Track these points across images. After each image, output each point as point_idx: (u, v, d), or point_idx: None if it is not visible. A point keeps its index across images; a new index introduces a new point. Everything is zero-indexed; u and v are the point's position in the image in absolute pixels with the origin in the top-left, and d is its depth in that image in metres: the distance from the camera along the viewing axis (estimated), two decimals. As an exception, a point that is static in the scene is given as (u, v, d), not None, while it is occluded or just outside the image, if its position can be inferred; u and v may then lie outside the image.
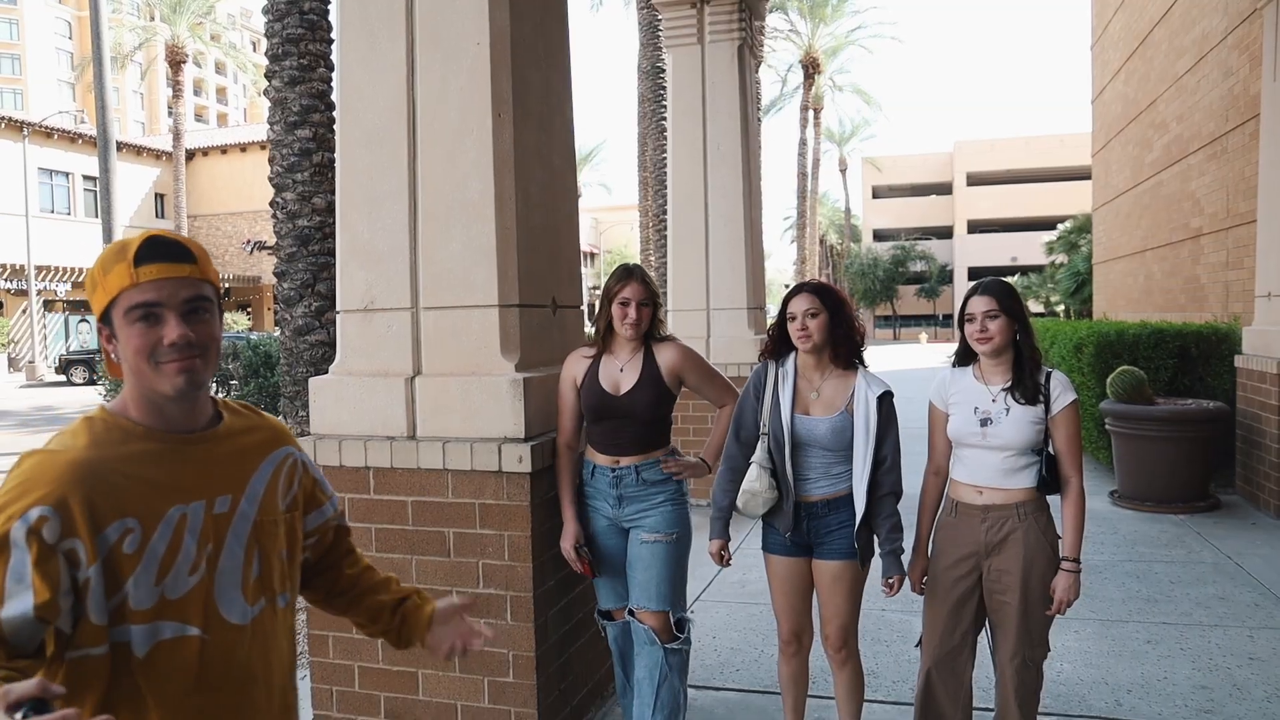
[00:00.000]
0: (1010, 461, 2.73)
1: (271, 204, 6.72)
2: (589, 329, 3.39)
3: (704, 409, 6.38)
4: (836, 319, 2.90)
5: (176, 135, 33.54)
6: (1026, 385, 2.73)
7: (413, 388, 3.23)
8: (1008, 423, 2.72)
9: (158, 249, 1.35)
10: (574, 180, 3.77)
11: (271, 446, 1.54)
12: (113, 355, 1.37)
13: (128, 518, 1.30)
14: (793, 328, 2.91)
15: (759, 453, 2.93)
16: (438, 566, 3.15)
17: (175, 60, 33.46)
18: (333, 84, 6.69)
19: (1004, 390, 2.76)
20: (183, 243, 1.38)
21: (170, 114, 34.54)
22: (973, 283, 2.91)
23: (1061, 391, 2.73)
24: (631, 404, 3.04)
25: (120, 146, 35.88)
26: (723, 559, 3.05)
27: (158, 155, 39.79)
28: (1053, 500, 2.79)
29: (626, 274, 3.07)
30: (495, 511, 3.09)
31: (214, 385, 8.42)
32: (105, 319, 1.36)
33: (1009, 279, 2.75)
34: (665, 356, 3.11)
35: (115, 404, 1.40)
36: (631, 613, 3.05)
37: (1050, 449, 2.75)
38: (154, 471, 1.36)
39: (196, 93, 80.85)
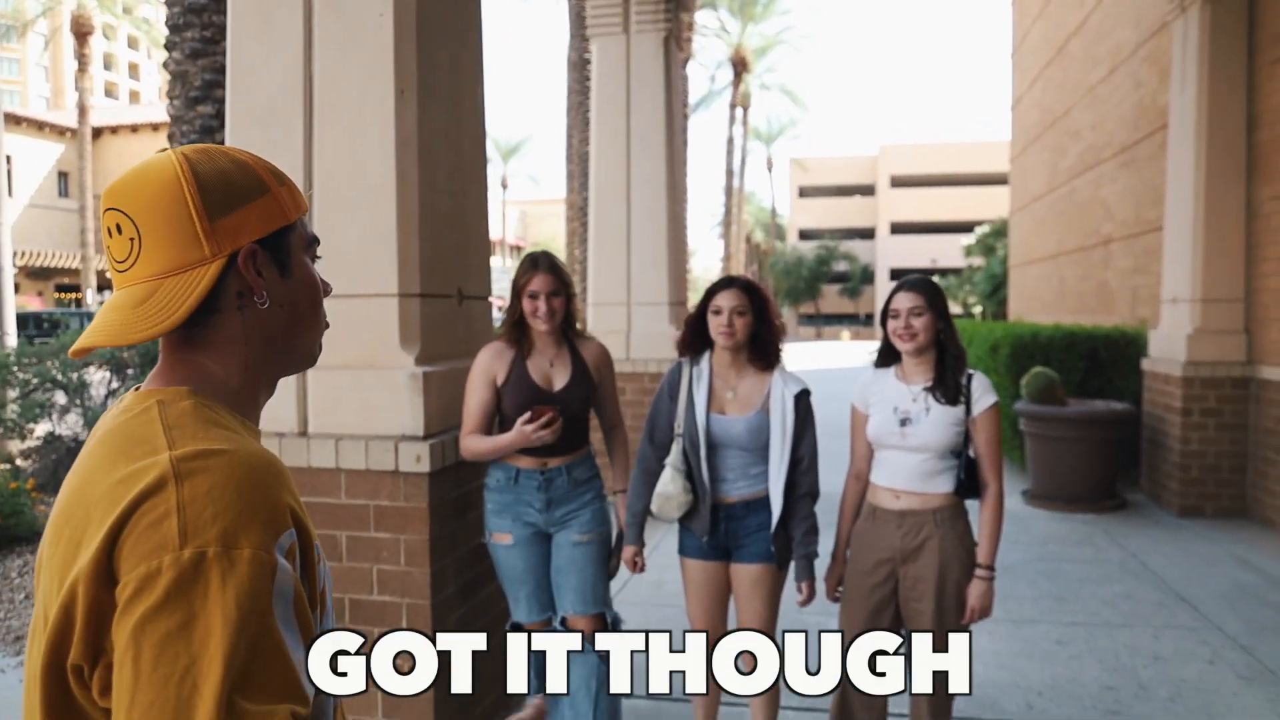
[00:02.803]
0: (929, 464, 2.67)
1: (170, 184, 6.35)
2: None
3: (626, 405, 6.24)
4: (761, 319, 2.81)
5: (81, 110, 31.95)
6: (948, 385, 2.67)
7: (304, 380, 3.02)
8: (927, 423, 2.66)
9: None
10: (484, 166, 3.60)
11: None
12: (259, 298, 0.96)
13: (317, 542, 0.95)
14: (716, 322, 2.80)
15: (673, 455, 2.82)
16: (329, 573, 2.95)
17: (81, 31, 31.85)
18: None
19: (925, 390, 2.69)
20: None
21: (76, 88, 32.84)
22: (895, 282, 2.85)
23: (982, 394, 2.68)
24: (567, 401, 2.90)
25: (18, 120, 34.08)
26: (636, 565, 2.93)
27: (61, 131, 37.91)
28: (969, 506, 2.74)
29: (533, 264, 2.92)
30: (391, 514, 2.91)
31: (109, 372, 7.95)
32: (273, 242, 0.97)
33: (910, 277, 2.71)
34: (590, 352, 3.02)
35: (201, 389, 0.94)
36: (563, 621, 2.90)
37: (970, 453, 2.69)
38: None
39: (107, 67, 77.33)
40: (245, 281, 0.94)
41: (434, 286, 3.11)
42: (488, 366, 2.95)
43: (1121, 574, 5.19)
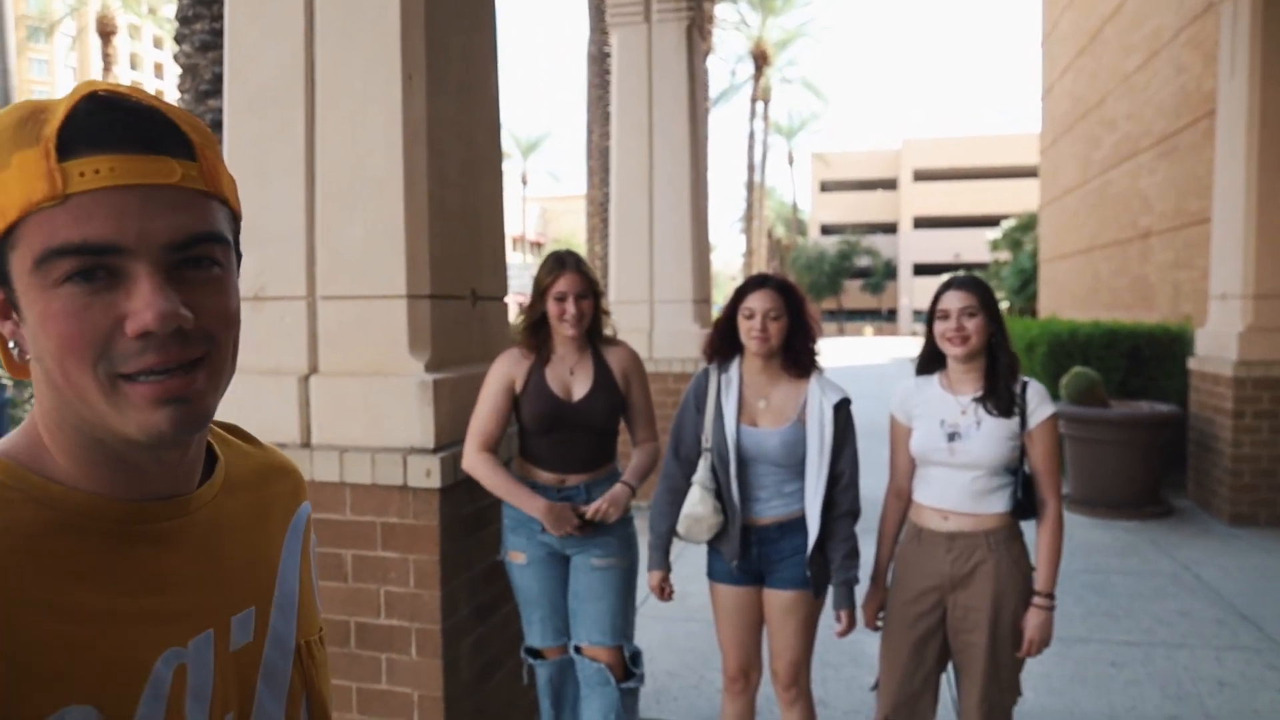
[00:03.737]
0: (981, 482, 2.42)
1: (181, 180, 6.19)
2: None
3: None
4: (796, 321, 2.58)
5: (105, 110, 32.12)
6: (1001, 395, 2.42)
7: (307, 388, 2.82)
8: (978, 438, 2.41)
9: (112, 123, 0.64)
10: (499, 159, 3.38)
11: (293, 503, 0.87)
12: (11, 346, 0.70)
13: (72, 705, 0.63)
14: (748, 326, 2.56)
15: (701, 471, 2.59)
16: (334, 594, 2.75)
17: (106, 31, 32.01)
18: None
19: (975, 401, 2.44)
20: (162, 111, 0.68)
21: (100, 88, 33.01)
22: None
23: (1039, 404, 2.43)
24: (589, 411, 2.66)
25: (44, 121, 34.26)
26: (664, 592, 2.71)
27: (86, 131, 38.15)
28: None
29: (559, 264, 2.67)
30: (399, 532, 2.70)
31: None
32: None
33: (958, 274, 2.46)
34: (616, 358, 2.75)
35: (17, 445, 0.70)
36: (578, 649, 2.68)
37: (1026, 468, 2.44)
38: (113, 589, 0.67)
39: (133, 67, 78.01)
40: None
41: (445, 287, 2.90)
42: (506, 372, 2.72)
43: (1175, 588, 4.90)
